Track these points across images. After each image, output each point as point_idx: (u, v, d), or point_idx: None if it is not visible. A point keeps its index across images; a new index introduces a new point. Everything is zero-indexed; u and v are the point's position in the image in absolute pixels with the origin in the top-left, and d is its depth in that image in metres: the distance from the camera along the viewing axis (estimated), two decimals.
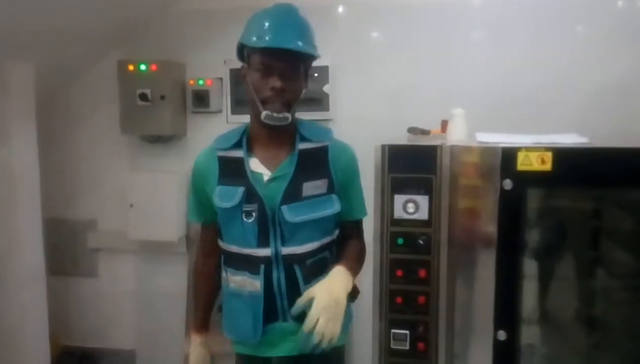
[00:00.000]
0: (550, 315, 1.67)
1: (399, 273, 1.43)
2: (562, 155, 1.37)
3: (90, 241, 2.57)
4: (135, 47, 2.40)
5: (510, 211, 1.41)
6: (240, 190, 1.39)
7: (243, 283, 1.43)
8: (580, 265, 1.67)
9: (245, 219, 1.39)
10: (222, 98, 2.35)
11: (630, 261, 1.66)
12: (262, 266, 1.42)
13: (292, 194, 1.40)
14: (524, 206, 1.43)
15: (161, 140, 2.42)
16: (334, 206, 1.45)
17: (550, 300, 1.70)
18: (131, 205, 2.36)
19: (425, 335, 1.43)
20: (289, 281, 1.42)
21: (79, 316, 2.59)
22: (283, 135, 1.45)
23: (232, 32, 2.40)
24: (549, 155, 1.37)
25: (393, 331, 1.45)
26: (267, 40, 1.35)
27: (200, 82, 2.33)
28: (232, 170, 1.41)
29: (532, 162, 1.39)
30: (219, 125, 2.32)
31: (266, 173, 1.42)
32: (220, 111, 2.37)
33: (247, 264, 1.43)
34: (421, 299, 1.43)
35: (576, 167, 1.39)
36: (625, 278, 1.66)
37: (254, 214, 1.39)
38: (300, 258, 1.43)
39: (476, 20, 2.15)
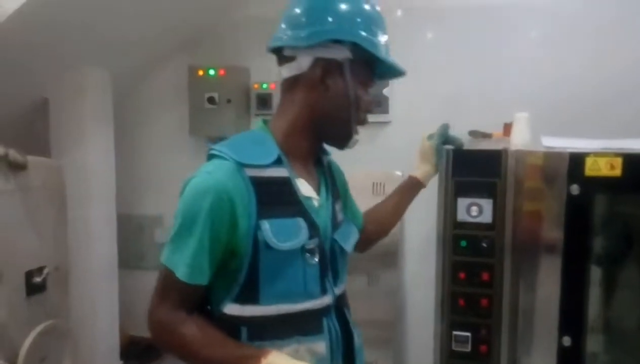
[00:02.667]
0: (614, 323, 1.64)
1: (462, 275, 1.45)
2: (632, 161, 1.35)
3: (157, 236, 2.70)
4: (201, 52, 2.51)
5: (577, 216, 1.40)
6: (301, 222, 1.05)
7: (299, 355, 1.04)
8: None
9: (308, 261, 1.07)
10: None
11: None
12: (325, 321, 1.10)
13: (334, 219, 1.16)
14: (591, 212, 1.41)
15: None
16: (356, 226, 1.29)
17: (614, 308, 1.66)
18: None
19: (487, 338, 1.44)
20: (343, 332, 1.14)
21: (146, 307, 2.70)
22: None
23: None
24: (618, 161, 1.35)
25: (455, 333, 1.47)
26: (392, 59, 1.13)
27: (264, 86, 2.42)
28: (276, 196, 1.04)
29: (601, 168, 1.38)
30: None
31: (315, 198, 1.12)
32: None
33: (304, 324, 1.07)
34: (484, 302, 1.44)
35: None
36: None
37: (316, 252, 1.08)
38: (346, 299, 1.20)
39: (537, 21, 2.12)
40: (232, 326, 1.03)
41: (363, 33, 1.06)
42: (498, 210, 1.42)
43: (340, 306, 1.15)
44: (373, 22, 1.08)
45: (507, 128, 1.75)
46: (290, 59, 1.07)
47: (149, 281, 2.87)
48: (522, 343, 1.45)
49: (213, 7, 2.38)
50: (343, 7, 1.07)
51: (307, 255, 1.06)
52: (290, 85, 1.10)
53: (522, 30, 2.14)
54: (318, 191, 1.14)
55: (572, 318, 1.41)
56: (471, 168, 1.42)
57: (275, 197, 1.04)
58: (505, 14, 2.12)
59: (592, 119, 1.98)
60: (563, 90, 2.05)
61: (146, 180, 2.71)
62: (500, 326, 1.45)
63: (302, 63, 1.06)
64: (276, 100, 2.39)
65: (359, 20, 1.07)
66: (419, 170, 1.46)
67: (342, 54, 1.05)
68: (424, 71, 2.28)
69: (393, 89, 2.30)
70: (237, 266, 1.02)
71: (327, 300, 1.10)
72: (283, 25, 1.10)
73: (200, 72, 2.39)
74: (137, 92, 2.66)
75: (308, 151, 1.14)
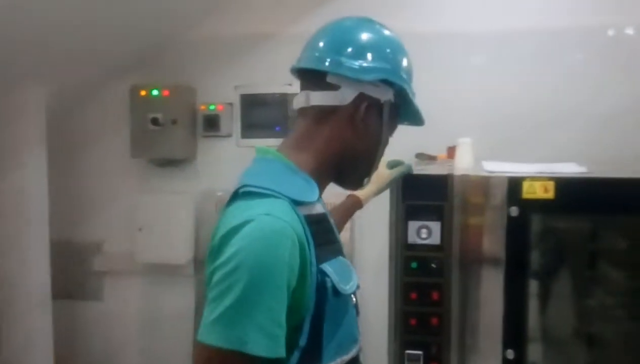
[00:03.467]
0: (552, 334, 1.76)
1: (413, 295, 1.51)
2: (563, 184, 1.48)
3: (97, 264, 2.59)
4: (147, 72, 2.46)
5: (516, 236, 1.51)
6: (347, 261, 0.97)
7: None
8: (579, 284, 1.77)
9: (352, 305, 0.98)
10: (232, 123, 2.42)
11: (625, 281, 1.76)
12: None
13: None
14: (528, 231, 1.53)
15: (171, 163, 2.47)
16: None
17: (552, 318, 1.79)
18: (140, 229, 2.39)
19: (438, 355, 1.50)
20: None
21: (85, 340, 2.59)
22: None
23: (241, 58, 2.54)
24: (551, 184, 1.48)
25: (407, 352, 1.52)
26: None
27: (212, 107, 2.40)
28: (324, 235, 0.94)
29: (536, 191, 1.49)
30: (228, 149, 2.43)
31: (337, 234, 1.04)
32: (230, 135, 2.43)
33: None
34: (434, 320, 1.50)
35: (576, 195, 1.50)
36: (620, 296, 1.76)
37: (354, 295, 0.98)
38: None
39: (478, 49, 2.24)
40: None
41: (407, 79, 1.03)
42: (445, 232, 1.50)
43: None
44: (412, 72, 1.05)
45: (451, 151, 1.84)
46: (329, 86, 0.96)
47: (88, 312, 2.76)
48: (471, 358, 1.53)
49: (158, 26, 2.34)
50: (398, 50, 1.03)
51: (352, 296, 0.97)
52: (322, 115, 0.97)
53: (464, 57, 2.25)
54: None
55: (514, 331, 1.51)
56: (420, 192, 1.49)
57: (324, 236, 0.93)
58: (450, 41, 2.23)
59: (530, 143, 2.11)
60: (502, 115, 2.17)
61: (86, 205, 2.60)
62: (450, 343, 1.52)
63: (346, 95, 0.95)
64: (224, 121, 2.43)
65: (406, 67, 1.03)
66: (365, 190, 1.42)
67: (387, 95, 0.99)
68: None
69: None
70: (296, 326, 0.85)
71: (358, 346, 1.01)
72: (327, 48, 0.98)
73: (143, 92, 2.34)
74: (79, 111, 2.56)
75: (325, 187, 1.02)
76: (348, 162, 1.00)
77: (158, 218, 2.40)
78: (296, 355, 0.85)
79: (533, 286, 1.59)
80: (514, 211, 1.49)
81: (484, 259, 1.54)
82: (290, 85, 2.32)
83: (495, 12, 2.21)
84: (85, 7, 1.85)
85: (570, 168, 1.60)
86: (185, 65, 2.44)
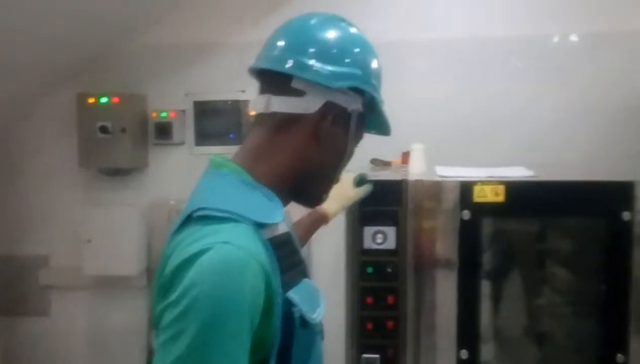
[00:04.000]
0: (504, 333, 1.81)
1: (369, 300, 1.52)
2: (513, 188, 1.53)
3: (43, 278, 2.48)
4: (94, 79, 2.38)
5: (469, 239, 1.54)
6: (312, 285, 0.88)
7: None
8: (529, 284, 1.82)
9: (319, 332, 0.88)
10: (185, 131, 2.37)
11: (571, 280, 1.83)
12: None
13: None
14: (480, 233, 1.57)
15: (121, 173, 2.39)
16: None
17: (504, 318, 1.84)
18: (88, 240, 2.31)
19: (395, 358, 1.52)
20: None
21: (30, 358, 2.47)
22: None
23: (193, 65, 2.50)
24: (501, 188, 1.52)
25: (364, 356, 1.52)
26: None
27: (163, 114, 2.34)
28: (290, 258, 0.84)
29: (487, 194, 1.53)
30: (181, 157, 2.38)
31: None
32: (182, 143, 2.38)
33: None
34: (390, 324, 1.52)
35: (525, 198, 1.55)
36: (567, 295, 1.83)
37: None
38: None
39: (425, 56, 2.29)
40: None
41: (377, 86, 0.93)
42: (400, 236, 1.52)
43: None
44: (380, 77, 0.95)
45: (405, 156, 1.87)
46: (293, 92, 0.85)
47: (32, 328, 2.63)
48: (426, 360, 1.55)
49: (107, 31, 2.27)
50: (368, 53, 0.92)
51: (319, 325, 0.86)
52: (282, 123, 0.86)
53: (411, 64, 2.29)
54: None
55: (468, 331, 1.54)
56: (375, 197, 1.50)
57: (289, 260, 0.83)
58: (397, 49, 2.27)
59: (478, 148, 2.18)
60: (450, 121, 2.23)
61: (31, 217, 2.48)
62: (406, 346, 1.53)
63: (312, 102, 0.85)
64: (176, 128, 2.38)
65: (376, 74, 0.93)
66: (332, 207, 1.39)
67: (355, 104, 0.89)
68: None
69: None
70: (263, 358, 0.77)
71: None
72: (291, 48, 0.87)
73: (91, 100, 2.26)
74: (21, 122, 2.45)
75: (286, 204, 0.91)
76: (308, 176, 0.89)
77: (107, 230, 2.31)
78: None
79: (485, 287, 1.64)
80: (466, 214, 1.53)
81: (438, 262, 1.57)
82: (243, 91, 2.31)
83: (441, 20, 2.28)
84: (27, 16, 1.78)
85: (519, 172, 1.66)
86: (136, 72, 2.38)
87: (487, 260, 1.65)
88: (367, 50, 0.92)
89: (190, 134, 2.36)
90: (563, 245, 1.81)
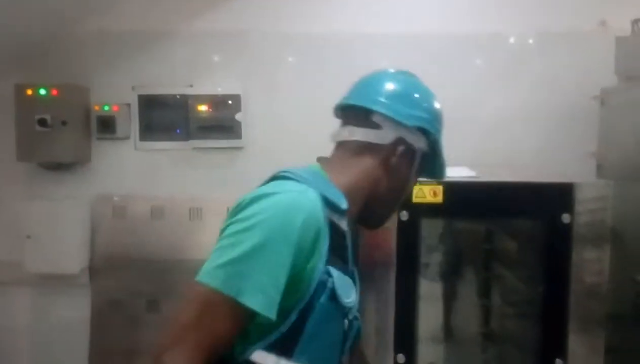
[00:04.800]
0: (443, 334, 1.81)
1: None
2: (451, 189, 1.52)
3: None
4: (34, 70, 2.27)
5: (407, 239, 1.52)
6: (351, 282, 0.99)
7: None
8: (469, 285, 1.82)
9: (344, 325, 0.98)
10: (130, 125, 2.30)
11: (512, 281, 1.83)
12: None
13: (358, 292, 1.06)
14: (419, 234, 1.55)
15: (62, 167, 2.30)
16: None
17: (449, 318, 1.83)
18: (28, 236, 2.22)
19: None
20: None
21: None
22: None
23: (139, 56, 2.41)
24: (440, 189, 1.51)
25: None
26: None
27: (106, 108, 2.25)
28: (340, 247, 0.97)
29: (426, 195, 1.52)
30: (126, 152, 2.29)
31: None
32: (127, 137, 2.31)
33: None
34: None
35: (464, 199, 1.54)
36: (508, 296, 1.83)
37: (348, 318, 0.99)
38: None
39: (382, 51, 2.26)
40: None
41: (440, 130, 1.11)
42: None
43: None
44: (442, 124, 1.12)
45: None
46: (373, 125, 1.04)
47: None
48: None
49: (48, 18, 2.17)
50: (436, 104, 1.10)
51: (345, 319, 0.97)
52: (359, 149, 1.04)
53: (368, 59, 2.25)
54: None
55: (405, 334, 1.53)
56: None
57: (339, 248, 0.96)
58: (359, 43, 2.25)
59: None
60: None
61: None
62: None
63: (386, 135, 1.03)
64: (120, 122, 2.28)
65: (440, 120, 1.11)
66: None
67: (421, 143, 1.06)
68: (275, 97, 2.32)
69: (246, 115, 2.29)
70: (288, 307, 0.88)
71: None
72: (376, 91, 1.07)
73: (29, 91, 2.16)
74: None
75: (353, 218, 1.04)
76: (374, 199, 1.05)
77: (49, 225, 2.23)
78: (274, 336, 0.88)
79: (425, 287, 1.62)
80: (404, 215, 1.51)
81: (377, 266, 1.55)
82: (191, 86, 2.25)
83: (395, 15, 2.26)
84: None
85: (461, 173, 1.64)
86: (79, 63, 2.28)
87: (425, 261, 1.64)
88: (434, 100, 1.10)
89: (135, 128, 2.29)
90: (504, 246, 1.82)
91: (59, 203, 2.28)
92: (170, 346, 0.83)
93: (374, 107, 1.04)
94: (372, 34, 2.26)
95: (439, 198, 1.51)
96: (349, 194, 0.99)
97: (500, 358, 1.84)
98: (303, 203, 0.89)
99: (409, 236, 1.54)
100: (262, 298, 0.84)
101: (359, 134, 1.04)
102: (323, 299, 0.90)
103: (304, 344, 0.89)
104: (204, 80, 2.28)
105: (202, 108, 2.25)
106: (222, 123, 2.26)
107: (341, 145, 1.07)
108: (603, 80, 2.04)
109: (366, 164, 1.03)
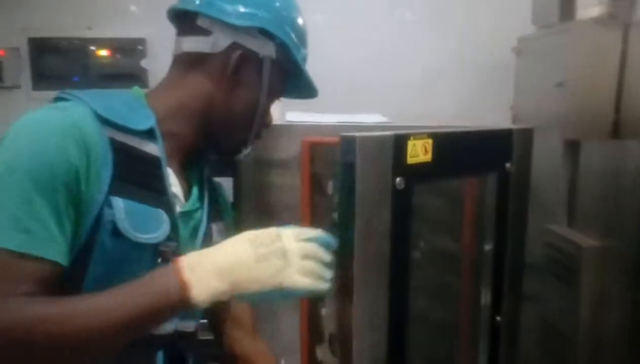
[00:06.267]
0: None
1: None
2: (440, 143, 1.15)
3: None
4: None
5: (404, 214, 1.13)
6: (163, 215, 0.85)
7: None
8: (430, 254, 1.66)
9: (158, 266, 0.82)
10: (20, 72, 2.12)
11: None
12: (158, 356, 0.89)
13: (206, 240, 0.95)
14: (413, 206, 1.15)
15: None
16: None
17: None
18: None
19: None
20: None
21: None
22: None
23: None
24: (430, 143, 1.13)
25: None
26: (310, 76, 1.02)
27: None
28: (138, 174, 0.83)
29: (419, 153, 1.17)
30: (16, 102, 2.11)
31: (180, 200, 0.93)
32: (18, 86, 2.14)
33: (129, 355, 0.80)
34: None
35: (452, 154, 1.20)
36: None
37: (170, 260, 0.82)
38: (195, 344, 0.91)
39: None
40: None
41: (294, 37, 0.96)
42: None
43: (181, 348, 0.89)
44: (303, 34, 1.00)
45: None
46: (202, 31, 0.91)
47: None
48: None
49: None
50: (286, 4, 0.97)
51: (159, 259, 0.83)
52: (190, 61, 0.92)
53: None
54: (186, 198, 0.94)
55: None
56: None
57: (137, 175, 0.83)
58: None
59: (338, 99, 2.00)
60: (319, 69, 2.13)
61: None
62: None
63: (218, 41, 0.90)
64: (8, 69, 2.02)
65: (293, 23, 0.97)
66: None
67: (267, 49, 0.93)
68: None
69: (153, 61, 2.15)
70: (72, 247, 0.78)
71: (166, 328, 0.84)
72: None
73: None
74: None
75: (187, 144, 0.93)
76: (217, 122, 0.94)
77: None
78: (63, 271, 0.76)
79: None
80: (401, 183, 1.09)
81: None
82: (90, 28, 2.08)
83: None
84: None
85: (374, 119, 1.57)
86: None
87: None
88: (283, 3, 0.96)
89: (26, 77, 2.12)
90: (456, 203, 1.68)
91: None
92: None
93: (195, 7, 0.91)
94: None
95: (429, 156, 1.19)
96: (170, 115, 0.90)
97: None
98: (64, 122, 0.77)
99: (406, 210, 1.12)
100: (20, 236, 0.71)
101: (186, 44, 0.93)
102: (104, 237, 0.79)
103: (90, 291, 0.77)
104: (104, 22, 2.14)
105: (103, 53, 2.14)
106: (125, 70, 2.15)
107: (175, 62, 0.96)
108: (522, 31, 2.03)
109: (199, 78, 0.92)
